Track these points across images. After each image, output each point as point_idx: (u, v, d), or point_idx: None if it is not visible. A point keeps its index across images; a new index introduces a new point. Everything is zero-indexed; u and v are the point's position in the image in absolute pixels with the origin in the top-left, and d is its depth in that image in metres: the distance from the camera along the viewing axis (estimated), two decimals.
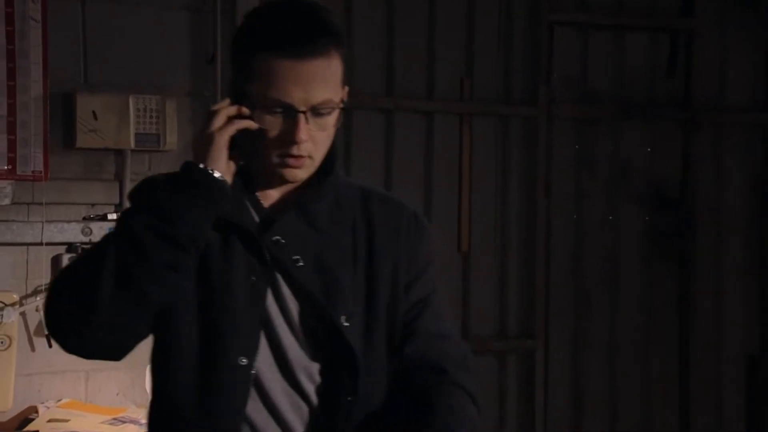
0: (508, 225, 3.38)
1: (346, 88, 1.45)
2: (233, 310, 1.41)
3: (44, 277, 2.65)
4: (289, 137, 1.39)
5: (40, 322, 2.66)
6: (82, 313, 1.35)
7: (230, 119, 1.39)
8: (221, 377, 1.40)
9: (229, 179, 1.41)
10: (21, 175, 2.62)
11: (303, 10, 1.40)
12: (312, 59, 1.37)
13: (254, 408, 1.42)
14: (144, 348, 1.45)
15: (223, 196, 1.39)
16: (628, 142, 3.52)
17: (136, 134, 2.73)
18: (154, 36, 2.79)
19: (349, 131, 3.16)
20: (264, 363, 1.42)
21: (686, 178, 3.56)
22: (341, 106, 1.43)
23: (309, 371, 1.43)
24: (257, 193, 1.48)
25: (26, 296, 2.67)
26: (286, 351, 1.42)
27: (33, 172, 2.63)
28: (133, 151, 2.75)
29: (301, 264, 1.43)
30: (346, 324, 1.42)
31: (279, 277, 1.43)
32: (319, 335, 1.43)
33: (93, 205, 2.75)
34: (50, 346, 2.55)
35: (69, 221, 2.70)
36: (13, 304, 2.61)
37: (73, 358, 1.44)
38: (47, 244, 2.66)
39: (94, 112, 2.70)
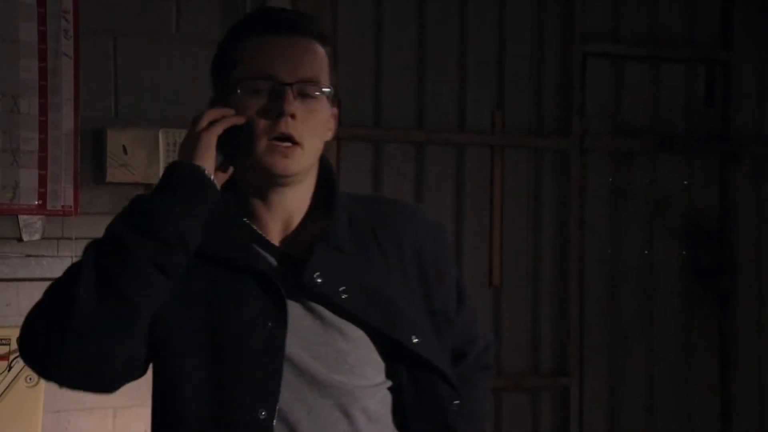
0: (540, 259, 3.32)
1: (336, 92, 1.41)
2: (249, 360, 1.30)
3: None
4: (276, 112, 1.33)
5: None
6: (60, 325, 1.22)
7: (216, 121, 1.35)
8: None
9: (217, 185, 1.32)
10: (51, 210, 2.62)
11: (286, 9, 1.46)
12: (297, 37, 1.37)
13: None
14: None
15: (211, 193, 1.31)
16: (664, 174, 3.45)
17: None
18: (185, 70, 2.79)
19: (380, 164, 3.14)
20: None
21: (725, 211, 3.49)
22: (329, 95, 1.38)
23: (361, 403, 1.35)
24: (256, 227, 1.38)
25: None
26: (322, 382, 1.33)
27: (63, 207, 2.63)
28: None
29: (345, 296, 1.34)
30: (416, 341, 1.37)
31: (323, 312, 1.34)
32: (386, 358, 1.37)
33: None
34: None
35: None
36: None
37: (102, 395, 1.35)
38: None
39: (124, 147, 2.70)
